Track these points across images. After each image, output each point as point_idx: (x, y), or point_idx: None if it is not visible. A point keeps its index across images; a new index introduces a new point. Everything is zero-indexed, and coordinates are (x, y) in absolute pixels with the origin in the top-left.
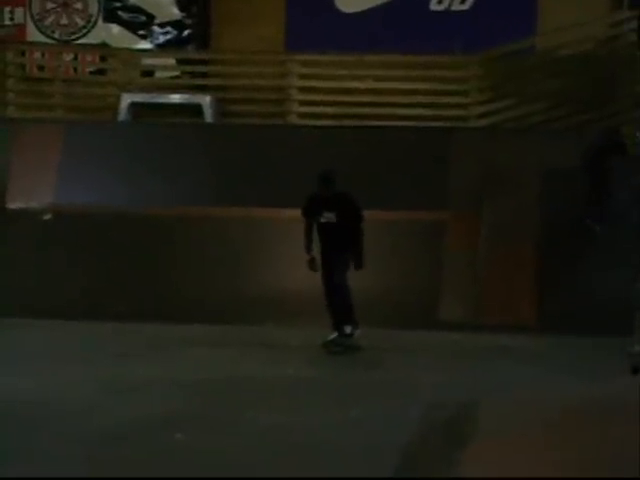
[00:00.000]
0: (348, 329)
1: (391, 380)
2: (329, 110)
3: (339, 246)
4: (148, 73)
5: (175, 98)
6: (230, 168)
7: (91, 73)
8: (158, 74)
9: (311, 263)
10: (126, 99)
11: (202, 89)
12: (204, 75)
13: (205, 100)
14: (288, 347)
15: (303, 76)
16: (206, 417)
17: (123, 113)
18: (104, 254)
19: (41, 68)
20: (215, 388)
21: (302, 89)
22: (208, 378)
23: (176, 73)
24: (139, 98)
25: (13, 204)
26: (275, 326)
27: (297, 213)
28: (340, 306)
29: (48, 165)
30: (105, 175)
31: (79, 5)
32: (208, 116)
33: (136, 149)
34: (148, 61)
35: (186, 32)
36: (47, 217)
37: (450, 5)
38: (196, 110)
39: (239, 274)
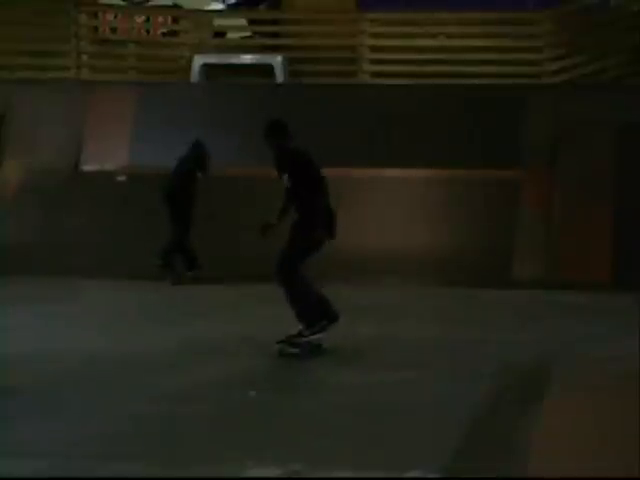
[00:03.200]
0: (301, 329)
1: (466, 339)
2: (400, 69)
3: (295, 220)
4: (219, 34)
5: (247, 58)
6: (302, 128)
7: (163, 35)
8: (229, 35)
9: (262, 228)
10: (198, 60)
11: (273, 49)
12: (275, 35)
13: (276, 60)
14: (359, 307)
15: (374, 35)
16: (280, 376)
17: (195, 74)
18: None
19: (114, 30)
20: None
21: (373, 48)
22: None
23: (247, 33)
24: (211, 59)
25: (88, 167)
26: (348, 286)
27: (366, 172)
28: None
29: (122, 127)
30: (178, 136)
31: None
32: (279, 76)
33: (209, 110)
34: (220, 22)
35: None
36: (121, 179)
37: None
38: (267, 70)
39: None
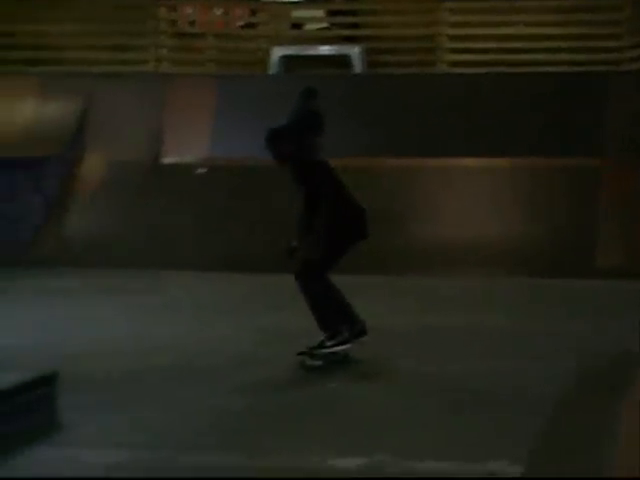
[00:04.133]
0: (323, 339)
1: (547, 329)
2: (479, 57)
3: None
4: (297, 25)
5: (324, 50)
6: (380, 118)
7: (241, 27)
8: (307, 26)
9: (287, 252)
10: (276, 52)
11: (351, 40)
12: (352, 26)
13: (354, 51)
14: (438, 297)
15: (453, 24)
16: (359, 367)
17: (274, 66)
18: (258, 206)
19: (192, 23)
20: (370, 337)
21: (452, 37)
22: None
23: (324, 25)
24: (289, 51)
25: (168, 159)
26: (428, 276)
27: (445, 162)
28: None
29: (202, 119)
30: (258, 128)
31: None
32: (357, 67)
33: (287, 102)
34: (298, 13)
35: None
36: (201, 171)
37: None
38: (345, 61)
39: (388, 225)
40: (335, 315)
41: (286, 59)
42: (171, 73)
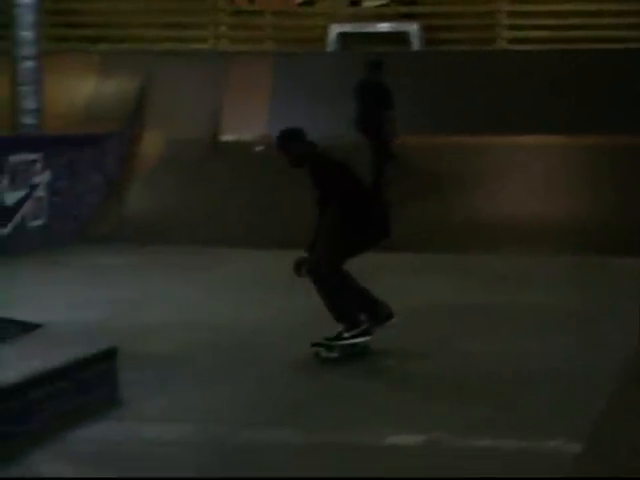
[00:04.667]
0: (341, 330)
1: (606, 308)
2: (539, 34)
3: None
4: (355, 3)
5: (383, 27)
6: (438, 96)
7: (300, 5)
8: (365, 3)
9: (296, 265)
10: (334, 29)
11: (409, 17)
12: (411, 3)
13: (412, 28)
14: (499, 274)
15: (512, 0)
16: (416, 343)
17: (331, 43)
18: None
19: (251, 1)
20: (425, 315)
21: (511, 14)
22: (419, 305)
23: (382, 2)
24: (347, 28)
25: (227, 136)
26: (489, 254)
27: (504, 140)
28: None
29: (260, 97)
30: (315, 105)
31: None
32: (415, 44)
33: (345, 79)
34: None
35: None
36: (259, 148)
37: None
38: (403, 38)
39: (448, 202)
40: (350, 306)
41: (344, 36)
42: (229, 51)
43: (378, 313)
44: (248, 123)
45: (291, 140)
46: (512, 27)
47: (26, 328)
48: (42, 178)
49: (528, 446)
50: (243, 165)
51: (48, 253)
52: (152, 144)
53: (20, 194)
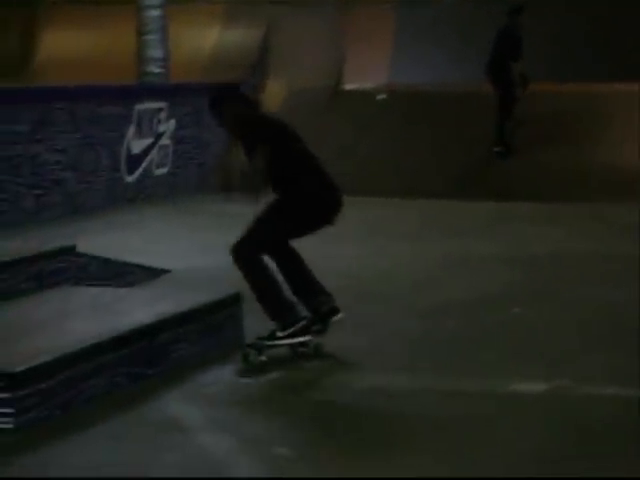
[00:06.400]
0: (275, 329)
1: None
2: None
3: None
4: None
5: None
6: (544, 44)
7: None
8: None
9: None
10: None
11: None
12: None
13: None
14: (622, 224)
15: None
16: (541, 292)
17: None
18: (436, 132)
19: None
20: (550, 263)
21: None
22: (545, 253)
23: None
24: None
25: (349, 85)
26: (609, 203)
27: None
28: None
29: (381, 46)
30: (436, 54)
31: None
32: None
33: (468, 27)
34: None
35: None
36: (381, 97)
37: None
38: None
39: (564, 151)
40: (279, 298)
41: None
42: (351, 0)
43: (317, 308)
44: (370, 71)
45: (224, 100)
46: None
47: (155, 273)
48: (167, 126)
49: None
50: (365, 113)
51: (174, 201)
52: (275, 93)
53: (146, 142)
